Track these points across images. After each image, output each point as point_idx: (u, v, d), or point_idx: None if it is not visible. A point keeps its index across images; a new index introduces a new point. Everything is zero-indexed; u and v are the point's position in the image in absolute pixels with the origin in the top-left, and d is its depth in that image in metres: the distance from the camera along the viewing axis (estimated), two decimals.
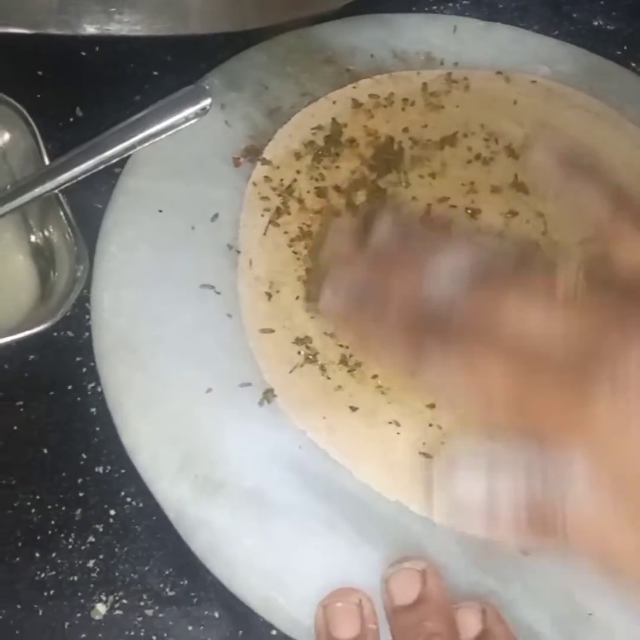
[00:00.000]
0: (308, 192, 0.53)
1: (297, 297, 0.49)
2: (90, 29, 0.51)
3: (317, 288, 0.41)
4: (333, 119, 0.56)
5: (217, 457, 0.44)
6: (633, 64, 0.68)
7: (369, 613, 0.40)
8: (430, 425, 0.46)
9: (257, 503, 0.43)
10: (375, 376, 0.47)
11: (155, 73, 0.60)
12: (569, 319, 0.34)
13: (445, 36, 0.62)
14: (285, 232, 0.52)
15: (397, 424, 0.46)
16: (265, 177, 0.53)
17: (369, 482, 0.44)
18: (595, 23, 0.71)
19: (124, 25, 0.51)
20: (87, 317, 0.49)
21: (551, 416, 0.33)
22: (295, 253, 0.51)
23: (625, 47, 0.69)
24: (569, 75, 0.62)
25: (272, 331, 0.48)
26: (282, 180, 0.53)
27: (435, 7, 0.68)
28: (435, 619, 0.39)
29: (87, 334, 0.49)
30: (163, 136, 0.50)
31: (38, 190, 0.48)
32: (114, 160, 0.50)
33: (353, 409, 0.46)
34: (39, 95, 0.57)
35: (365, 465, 0.45)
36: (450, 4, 0.69)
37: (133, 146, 0.50)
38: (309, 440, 0.45)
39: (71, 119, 0.57)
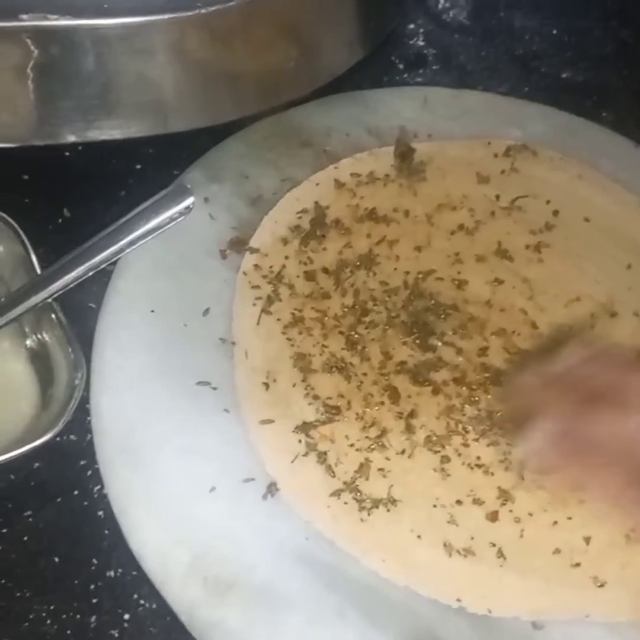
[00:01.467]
0: (297, 276, 0.54)
1: (294, 385, 0.50)
2: (71, 138, 0.52)
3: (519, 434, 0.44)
4: (316, 202, 0.57)
5: (225, 555, 0.44)
6: (603, 114, 0.70)
7: None
8: (434, 506, 0.47)
9: (268, 599, 0.44)
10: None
11: (138, 166, 0.61)
12: None
13: (416, 108, 0.63)
14: (278, 319, 0.53)
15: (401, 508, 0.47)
16: (255, 265, 0.54)
17: (377, 568, 0.45)
18: (564, 76, 0.73)
19: (103, 131, 0.52)
20: (88, 419, 0.50)
21: None
22: (289, 339, 0.52)
23: (594, 97, 0.71)
24: (541, 134, 0.64)
25: (272, 421, 0.49)
26: (271, 267, 0.54)
27: (406, 75, 0.70)
28: None
29: (89, 436, 0.49)
30: (150, 237, 0.51)
31: (32, 301, 0.49)
32: (104, 265, 0.51)
33: (356, 496, 0.47)
34: (26, 200, 0.58)
35: (372, 552, 0.45)
36: (421, 71, 0.71)
37: (121, 250, 0.51)
38: (314, 531, 0.46)
39: (60, 220, 0.58)
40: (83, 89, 0.51)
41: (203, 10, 0.50)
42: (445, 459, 0.48)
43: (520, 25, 0.75)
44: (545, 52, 0.74)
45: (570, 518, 0.47)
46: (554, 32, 0.75)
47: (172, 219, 0.52)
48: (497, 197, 0.59)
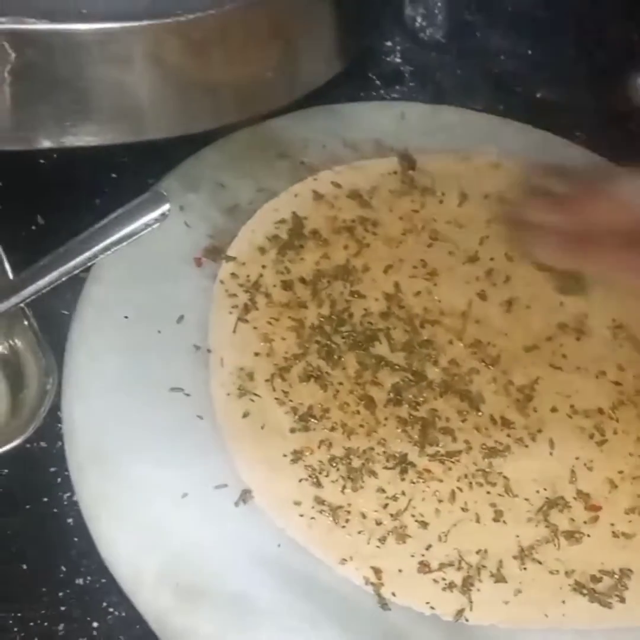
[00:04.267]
0: (274, 285, 0.54)
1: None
2: (46, 143, 0.52)
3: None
4: (294, 212, 0.57)
5: (197, 563, 0.44)
6: (577, 133, 0.70)
7: None
8: (413, 517, 0.47)
9: (240, 607, 0.43)
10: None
11: (114, 175, 0.61)
12: None
13: (393, 122, 0.64)
14: (255, 328, 0.52)
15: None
16: (232, 274, 0.54)
17: (350, 576, 0.44)
18: (539, 95, 0.73)
19: (79, 137, 0.52)
20: (59, 425, 0.49)
21: None
22: (266, 347, 0.52)
23: (568, 116, 0.71)
24: (516, 152, 0.64)
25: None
26: (248, 276, 0.54)
27: (382, 91, 0.71)
28: None
29: (60, 443, 0.49)
30: (124, 243, 0.51)
31: (3, 306, 0.48)
32: (77, 271, 0.50)
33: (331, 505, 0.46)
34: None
35: (345, 560, 0.45)
36: (397, 87, 0.71)
37: (95, 256, 0.50)
38: (288, 538, 0.45)
39: (33, 228, 0.57)
40: (59, 94, 0.50)
41: (182, 18, 0.50)
42: (425, 472, 0.48)
43: (496, 45, 0.76)
44: (520, 72, 0.74)
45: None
46: (529, 52, 0.76)
47: (147, 226, 0.52)
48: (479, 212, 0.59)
